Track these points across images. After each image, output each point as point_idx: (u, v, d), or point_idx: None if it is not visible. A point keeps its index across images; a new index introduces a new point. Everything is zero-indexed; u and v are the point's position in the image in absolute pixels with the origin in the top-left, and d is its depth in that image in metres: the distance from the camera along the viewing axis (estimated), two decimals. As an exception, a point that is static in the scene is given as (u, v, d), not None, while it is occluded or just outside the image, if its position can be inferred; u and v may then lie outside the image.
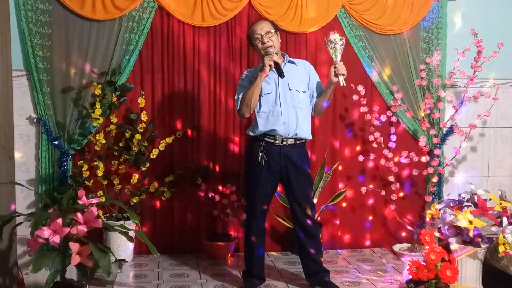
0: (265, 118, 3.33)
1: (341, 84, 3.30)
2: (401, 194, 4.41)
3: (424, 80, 4.28)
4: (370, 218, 4.45)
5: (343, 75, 3.26)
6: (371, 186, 4.34)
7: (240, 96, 3.35)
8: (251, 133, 3.43)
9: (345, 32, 4.24)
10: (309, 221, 3.42)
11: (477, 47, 4.15)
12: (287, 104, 3.32)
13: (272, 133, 3.33)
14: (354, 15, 4.23)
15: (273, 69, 3.26)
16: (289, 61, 3.41)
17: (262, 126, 3.34)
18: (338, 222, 4.40)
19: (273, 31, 3.32)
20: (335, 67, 3.27)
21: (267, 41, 3.28)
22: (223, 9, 4.07)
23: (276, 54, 3.28)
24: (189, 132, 4.16)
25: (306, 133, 3.41)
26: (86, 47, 3.96)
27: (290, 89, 3.34)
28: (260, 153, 3.33)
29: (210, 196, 4.17)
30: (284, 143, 3.34)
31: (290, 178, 3.37)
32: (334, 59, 3.29)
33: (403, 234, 4.44)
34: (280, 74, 3.24)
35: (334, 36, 3.29)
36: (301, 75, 3.41)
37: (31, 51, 3.88)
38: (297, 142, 3.38)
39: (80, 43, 3.96)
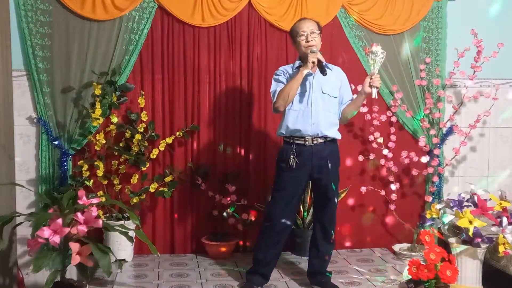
0: (295, 116, 3.34)
1: (373, 96, 3.31)
2: (401, 194, 4.41)
3: (424, 80, 4.29)
4: (370, 218, 4.45)
5: (376, 88, 3.28)
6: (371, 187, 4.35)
7: (278, 89, 3.35)
8: (280, 132, 3.43)
9: (345, 32, 4.24)
10: (331, 223, 3.46)
11: (477, 47, 4.15)
12: (318, 106, 3.33)
13: (300, 134, 3.34)
14: (354, 15, 4.23)
15: (309, 71, 3.27)
16: (325, 66, 3.39)
17: (292, 123, 3.34)
18: (338, 222, 4.38)
19: (318, 32, 3.34)
20: (371, 78, 3.27)
21: (311, 40, 3.30)
22: (223, 9, 4.07)
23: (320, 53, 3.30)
24: (189, 132, 4.15)
25: (334, 133, 3.42)
26: (86, 47, 3.96)
27: (323, 93, 3.36)
28: (292, 156, 3.33)
29: (210, 196, 4.17)
30: (315, 142, 3.35)
31: (322, 177, 3.38)
32: (372, 71, 3.29)
33: (403, 234, 4.44)
34: (323, 71, 3.24)
35: (377, 48, 3.27)
36: (334, 80, 3.42)
37: (31, 51, 3.88)
38: (327, 140, 3.39)
39: (80, 43, 3.96)
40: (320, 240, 3.47)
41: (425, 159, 4.27)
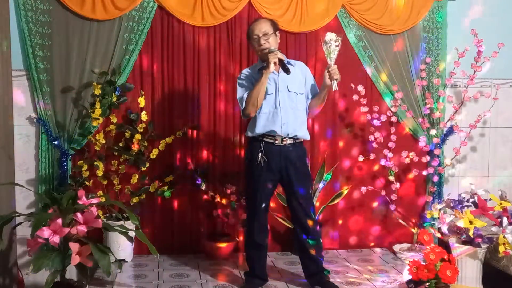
0: (265, 119, 3.33)
1: (333, 89, 3.28)
2: (401, 194, 4.41)
3: (424, 80, 4.28)
4: (370, 218, 4.44)
5: (336, 80, 3.24)
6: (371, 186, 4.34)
7: (245, 95, 3.33)
8: (250, 134, 3.42)
9: (345, 32, 4.24)
10: (309, 221, 3.43)
11: (477, 47, 4.15)
12: (286, 105, 3.33)
13: (271, 133, 3.33)
14: (354, 15, 4.23)
15: (272, 70, 3.25)
16: (288, 62, 3.39)
17: (261, 127, 3.33)
18: (338, 222, 4.40)
19: (271, 32, 3.30)
20: (328, 71, 3.24)
21: (264, 43, 3.28)
22: (223, 9, 4.06)
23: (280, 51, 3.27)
24: (189, 132, 4.15)
25: (304, 133, 3.42)
26: (86, 47, 3.96)
27: (289, 91, 3.34)
28: (260, 154, 3.33)
29: (210, 196, 4.17)
30: (284, 142, 3.34)
31: (290, 177, 3.37)
32: (329, 62, 3.25)
33: (403, 234, 4.43)
34: (286, 70, 3.23)
35: (330, 36, 3.23)
36: (298, 76, 3.41)
37: (31, 51, 3.88)
38: (296, 141, 3.38)
39: (80, 43, 3.96)
40: (305, 241, 3.45)
41: (425, 159, 4.27)
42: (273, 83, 3.34)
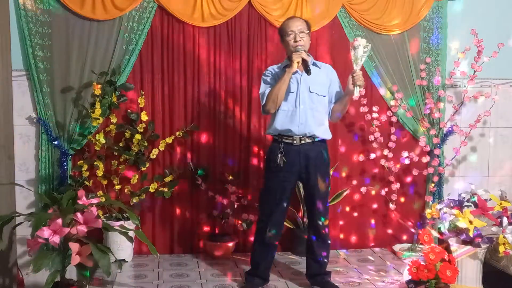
0: (284, 116, 3.34)
1: (355, 95, 3.27)
2: (401, 194, 4.41)
3: (424, 80, 4.28)
4: (370, 218, 4.44)
5: (359, 86, 3.24)
6: (371, 186, 4.34)
7: (266, 91, 3.34)
8: (268, 132, 3.45)
9: (345, 32, 4.24)
10: (323, 223, 3.44)
11: (477, 47, 4.15)
12: (305, 105, 3.33)
13: (288, 133, 3.34)
14: (354, 15, 4.23)
15: (297, 70, 3.27)
16: (313, 64, 3.39)
17: (280, 124, 3.34)
18: (338, 222, 4.40)
19: (306, 31, 3.33)
20: (352, 76, 3.25)
21: (299, 40, 3.28)
22: (223, 9, 4.07)
23: (305, 51, 3.28)
24: (189, 132, 4.15)
25: (323, 133, 3.41)
26: (86, 47, 3.96)
27: (310, 92, 3.34)
28: (280, 155, 3.33)
29: (210, 196, 4.17)
30: (303, 142, 3.34)
31: (310, 177, 3.37)
32: (354, 67, 3.25)
33: (403, 234, 4.44)
34: (307, 71, 3.23)
35: (360, 42, 3.22)
36: (323, 79, 3.41)
37: (31, 51, 3.88)
38: (315, 140, 3.38)
39: (80, 43, 3.96)
40: (314, 242, 3.46)
41: (425, 159, 4.27)
42: (296, 83, 3.35)
